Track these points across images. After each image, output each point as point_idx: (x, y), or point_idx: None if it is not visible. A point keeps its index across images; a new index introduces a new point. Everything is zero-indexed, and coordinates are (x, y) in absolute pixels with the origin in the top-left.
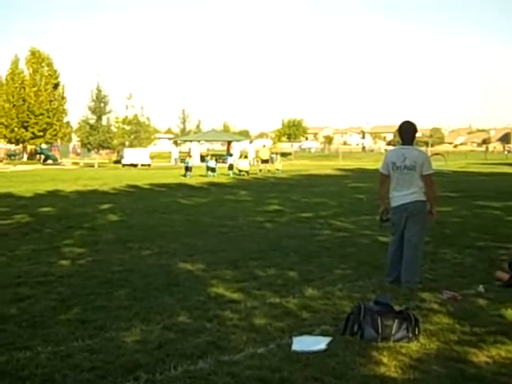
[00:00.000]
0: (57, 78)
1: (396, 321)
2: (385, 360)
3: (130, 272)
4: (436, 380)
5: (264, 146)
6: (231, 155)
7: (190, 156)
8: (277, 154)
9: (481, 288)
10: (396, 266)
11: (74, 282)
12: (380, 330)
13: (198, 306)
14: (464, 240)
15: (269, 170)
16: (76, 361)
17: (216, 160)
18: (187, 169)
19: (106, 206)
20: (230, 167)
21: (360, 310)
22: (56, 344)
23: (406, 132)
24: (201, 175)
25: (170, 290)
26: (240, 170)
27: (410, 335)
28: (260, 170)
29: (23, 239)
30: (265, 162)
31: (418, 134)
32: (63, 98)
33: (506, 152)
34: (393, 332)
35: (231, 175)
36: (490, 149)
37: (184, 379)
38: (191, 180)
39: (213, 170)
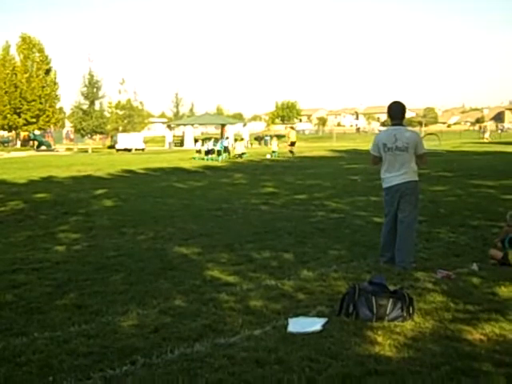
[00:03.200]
0: (48, 63)
1: (390, 300)
2: (379, 339)
3: (125, 257)
4: (431, 358)
5: (292, 128)
6: (227, 138)
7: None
8: (271, 136)
9: (474, 266)
10: (390, 246)
11: (69, 267)
12: (375, 310)
13: (193, 289)
14: (458, 219)
15: (292, 152)
16: (73, 346)
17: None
18: (208, 152)
19: (100, 192)
20: (226, 150)
21: (355, 291)
22: (53, 329)
23: (395, 111)
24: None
25: (166, 274)
26: (237, 154)
27: (405, 314)
28: (291, 152)
29: (18, 226)
30: (293, 144)
31: (411, 114)
32: (55, 83)
33: (499, 131)
34: (387, 312)
35: (223, 158)
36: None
37: (181, 362)
38: (186, 163)
39: (216, 152)
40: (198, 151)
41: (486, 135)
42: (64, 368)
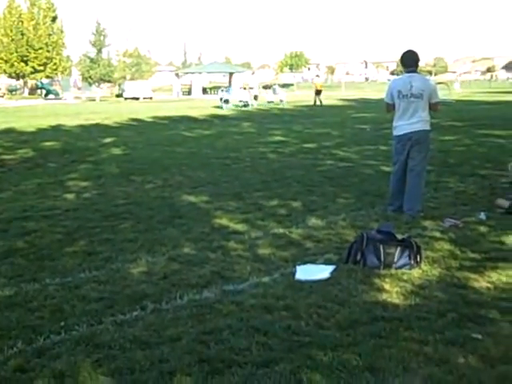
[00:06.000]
0: (54, 11)
1: (398, 248)
2: (387, 287)
3: (134, 205)
4: (437, 305)
5: (318, 77)
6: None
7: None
8: (280, 85)
9: (482, 215)
10: (398, 194)
11: (79, 215)
12: (382, 258)
13: (202, 237)
14: (467, 168)
15: (319, 101)
16: (84, 292)
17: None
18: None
19: (108, 140)
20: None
21: (363, 239)
22: (63, 275)
23: (409, 59)
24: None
25: (174, 222)
26: (241, 101)
27: (412, 262)
28: (319, 101)
29: (27, 174)
30: (318, 92)
31: (421, 64)
32: (62, 31)
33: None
34: (395, 259)
35: (232, 107)
36: (493, 77)
37: (190, 308)
38: (194, 112)
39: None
40: (226, 101)
41: (456, 86)
42: (76, 313)
